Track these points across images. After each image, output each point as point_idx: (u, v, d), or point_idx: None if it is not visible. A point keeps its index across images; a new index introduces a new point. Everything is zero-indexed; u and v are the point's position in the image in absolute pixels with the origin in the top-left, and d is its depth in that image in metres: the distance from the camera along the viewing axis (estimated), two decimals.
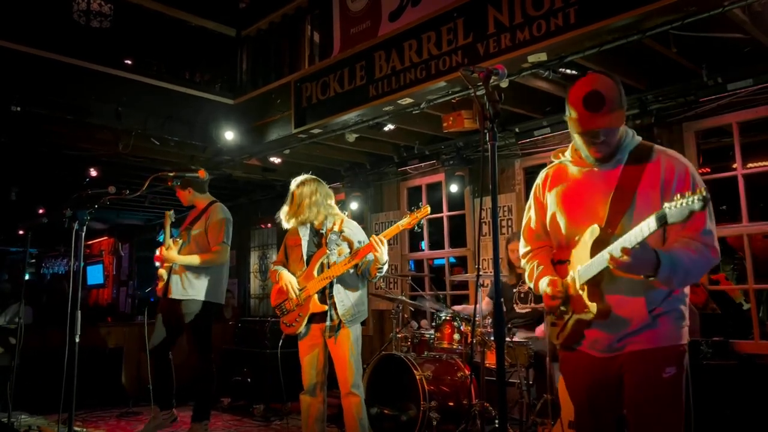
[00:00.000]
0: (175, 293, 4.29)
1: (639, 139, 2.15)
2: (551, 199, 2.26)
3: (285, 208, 3.71)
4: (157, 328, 4.41)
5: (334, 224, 3.63)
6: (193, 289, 4.29)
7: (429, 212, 3.39)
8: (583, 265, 2.06)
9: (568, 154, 2.25)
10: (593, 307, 2.03)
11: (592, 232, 2.04)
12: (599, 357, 2.13)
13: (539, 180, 2.34)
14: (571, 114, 2.06)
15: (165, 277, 4.33)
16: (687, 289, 2.14)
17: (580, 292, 2.08)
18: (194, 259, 4.29)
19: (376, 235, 3.43)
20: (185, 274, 4.30)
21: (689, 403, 2.09)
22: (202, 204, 4.54)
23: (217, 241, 4.33)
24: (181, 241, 4.37)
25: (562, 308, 2.18)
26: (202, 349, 4.32)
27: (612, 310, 2.05)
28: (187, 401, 4.49)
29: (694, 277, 2.03)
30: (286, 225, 3.73)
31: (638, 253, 1.86)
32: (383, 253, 3.37)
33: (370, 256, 3.45)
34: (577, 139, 2.13)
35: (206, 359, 4.32)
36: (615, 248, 1.90)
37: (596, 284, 2.05)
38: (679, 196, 1.73)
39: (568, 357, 2.25)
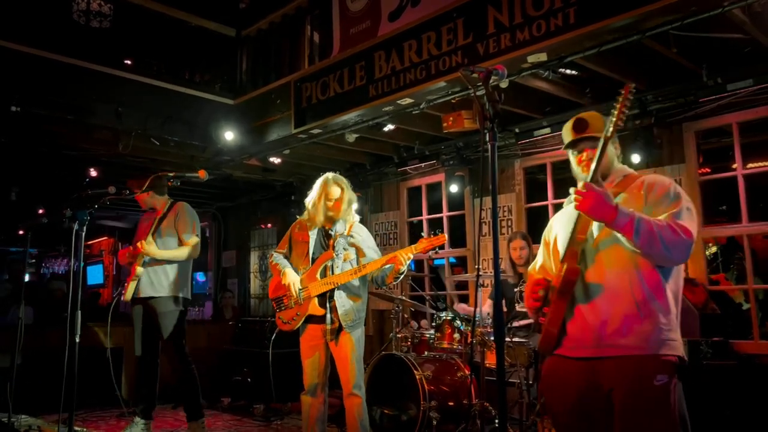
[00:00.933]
0: (146, 292, 4.29)
1: (633, 171, 2.28)
2: (555, 230, 2.35)
3: (320, 204, 3.59)
4: (138, 334, 4.41)
5: (344, 228, 3.62)
6: (164, 286, 4.30)
7: (446, 240, 3.35)
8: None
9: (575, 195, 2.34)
10: (563, 267, 2.06)
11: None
12: (583, 357, 2.05)
13: (549, 224, 2.45)
14: (564, 138, 2.28)
15: (140, 274, 4.31)
16: (678, 299, 2.09)
17: (558, 269, 2.12)
18: (171, 253, 4.33)
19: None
20: (154, 271, 4.31)
21: (686, 423, 1.98)
22: (163, 205, 4.54)
23: (190, 235, 4.39)
24: (152, 239, 4.36)
25: (544, 304, 2.17)
26: (179, 349, 4.32)
27: (591, 281, 2.05)
28: (178, 402, 4.48)
29: (663, 244, 1.92)
30: (305, 216, 3.70)
31: (597, 190, 1.96)
32: (406, 266, 3.38)
33: (387, 266, 3.44)
34: (572, 162, 2.29)
35: (184, 358, 4.33)
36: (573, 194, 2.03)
37: (573, 255, 2.08)
38: None
39: (551, 367, 2.19)
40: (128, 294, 4.32)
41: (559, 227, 2.32)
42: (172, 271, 4.34)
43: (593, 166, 2.06)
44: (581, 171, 2.23)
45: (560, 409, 2.16)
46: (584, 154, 2.21)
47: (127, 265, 4.44)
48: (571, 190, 2.04)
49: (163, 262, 4.32)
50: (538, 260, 2.45)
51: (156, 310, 4.28)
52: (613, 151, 2.24)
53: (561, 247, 2.22)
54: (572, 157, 2.27)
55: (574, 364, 2.08)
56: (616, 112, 2.01)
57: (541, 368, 2.26)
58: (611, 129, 2.02)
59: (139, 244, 4.27)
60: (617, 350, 2.00)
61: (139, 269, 4.30)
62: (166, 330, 4.28)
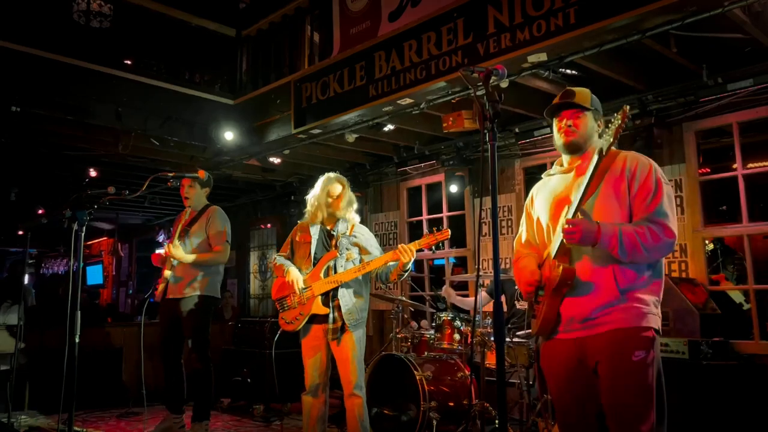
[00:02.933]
0: (174, 293, 4.31)
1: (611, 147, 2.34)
2: (537, 205, 2.47)
3: (321, 199, 3.62)
4: (163, 334, 4.43)
5: (346, 228, 3.63)
6: (191, 287, 4.30)
7: (449, 236, 3.36)
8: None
9: (554, 167, 2.48)
10: (559, 270, 2.18)
11: (564, 213, 2.22)
12: (573, 338, 2.20)
13: (529, 195, 2.57)
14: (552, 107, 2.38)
15: (168, 277, 4.32)
16: (659, 283, 2.24)
17: (551, 265, 2.23)
18: (199, 258, 4.31)
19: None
20: (182, 273, 4.30)
21: (662, 395, 2.14)
22: (201, 205, 4.57)
23: (220, 241, 4.37)
24: (179, 243, 4.36)
25: (538, 294, 2.31)
26: (200, 348, 4.31)
27: (580, 278, 2.18)
28: (186, 401, 4.48)
29: (646, 250, 2.10)
30: (307, 216, 3.72)
31: (582, 223, 2.10)
32: (411, 261, 3.39)
33: (391, 263, 3.45)
34: (554, 131, 2.38)
35: (204, 358, 4.32)
36: (562, 221, 2.18)
37: (565, 253, 2.23)
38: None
39: (546, 348, 2.34)
40: (159, 295, 4.34)
41: (540, 206, 2.43)
42: (200, 273, 4.33)
43: (573, 205, 2.16)
44: (560, 137, 2.35)
45: (553, 385, 2.35)
46: (564, 121, 2.32)
47: (160, 266, 4.44)
48: (562, 221, 2.18)
49: (192, 265, 4.31)
50: (522, 232, 2.57)
51: (182, 310, 4.29)
52: (593, 125, 2.33)
53: (545, 225, 2.38)
54: (554, 125, 2.38)
55: (563, 343, 2.25)
56: (612, 133, 2.12)
57: (539, 348, 2.48)
58: (605, 147, 2.14)
59: (166, 247, 4.30)
60: (601, 327, 2.15)
61: (167, 272, 4.31)
62: (189, 329, 4.29)
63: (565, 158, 2.42)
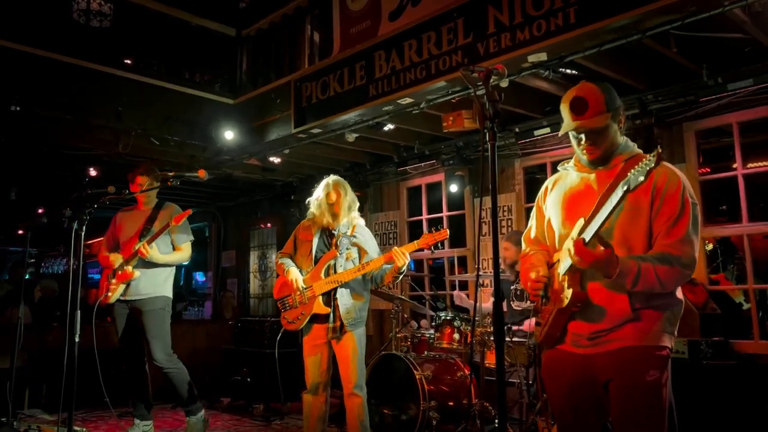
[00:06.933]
0: (134, 293, 4.25)
1: (639, 150, 2.20)
2: (549, 203, 2.33)
3: (323, 204, 3.64)
4: (123, 336, 4.34)
5: (347, 228, 3.65)
6: (152, 287, 4.28)
7: (447, 236, 3.38)
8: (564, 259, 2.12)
9: (572, 162, 2.31)
10: (569, 293, 2.06)
11: (577, 226, 2.07)
12: (581, 354, 2.11)
13: (542, 188, 2.41)
14: (563, 118, 2.19)
15: (137, 277, 4.24)
16: (679, 295, 2.13)
17: (561, 282, 2.11)
18: (171, 258, 4.35)
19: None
20: (145, 273, 4.27)
21: (672, 416, 2.06)
22: (154, 202, 4.55)
23: (185, 239, 4.42)
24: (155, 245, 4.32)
25: (544, 299, 2.21)
26: (165, 347, 4.26)
27: (592, 300, 2.07)
28: (170, 401, 4.41)
29: (663, 286, 1.99)
30: (310, 217, 3.74)
31: (602, 254, 1.92)
32: (405, 264, 3.38)
33: (386, 265, 3.46)
34: (571, 140, 2.22)
35: (171, 357, 4.27)
36: (575, 236, 2.00)
37: (577, 278, 2.08)
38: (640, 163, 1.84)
39: (550, 357, 2.25)
40: (115, 296, 4.25)
41: (552, 206, 2.29)
42: (161, 272, 4.34)
43: (595, 226, 1.95)
44: (583, 155, 2.18)
45: (555, 397, 2.27)
46: (582, 139, 2.14)
47: (111, 267, 4.34)
48: (571, 241, 2.01)
49: (156, 264, 4.28)
50: (532, 227, 2.44)
51: (141, 309, 4.24)
52: (615, 128, 2.13)
53: (557, 229, 2.25)
54: (572, 138, 2.20)
55: (570, 356, 2.15)
56: (644, 172, 1.84)
57: (540, 357, 2.37)
58: (632, 186, 1.87)
59: (141, 248, 4.19)
60: (611, 344, 2.05)
61: (137, 273, 4.24)
62: (151, 328, 4.23)
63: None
